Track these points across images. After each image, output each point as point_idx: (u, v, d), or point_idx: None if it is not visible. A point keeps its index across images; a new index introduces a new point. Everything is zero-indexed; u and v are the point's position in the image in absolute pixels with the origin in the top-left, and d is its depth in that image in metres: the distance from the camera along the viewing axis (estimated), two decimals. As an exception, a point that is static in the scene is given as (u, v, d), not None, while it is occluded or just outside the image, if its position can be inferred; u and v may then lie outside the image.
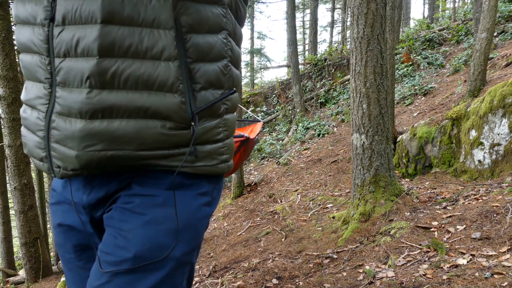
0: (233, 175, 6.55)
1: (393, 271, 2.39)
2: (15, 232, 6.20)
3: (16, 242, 7.45)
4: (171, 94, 0.75)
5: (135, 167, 0.79)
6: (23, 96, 0.85)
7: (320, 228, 3.89)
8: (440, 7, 18.40)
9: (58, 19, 0.73)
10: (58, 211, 0.91)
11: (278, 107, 11.18)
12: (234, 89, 0.85)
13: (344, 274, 2.60)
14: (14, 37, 6.67)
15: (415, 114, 6.80)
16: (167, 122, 0.76)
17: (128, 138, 0.74)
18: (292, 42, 10.33)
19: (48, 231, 8.77)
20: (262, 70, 20.12)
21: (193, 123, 0.78)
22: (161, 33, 0.73)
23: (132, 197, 0.80)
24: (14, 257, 7.23)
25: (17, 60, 6.57)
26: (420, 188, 4.01)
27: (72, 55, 0.73)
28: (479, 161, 3.95)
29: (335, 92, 10.16)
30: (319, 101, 10.32)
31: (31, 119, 0.82)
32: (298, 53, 10.79)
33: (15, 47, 6.79)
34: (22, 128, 0.87)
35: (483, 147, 3.91)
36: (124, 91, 0.73)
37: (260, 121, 1.49)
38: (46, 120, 0.78)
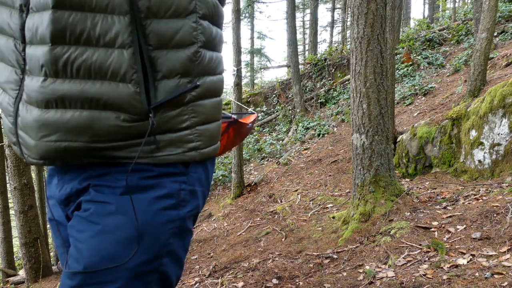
0: (233, 175, 6.55)
1: (393, 271, 2.39)
2: (15, 232, 6.20)
3: (16, 242, 7.45)
4: (125, 84, 0.71)
5: (95, 160, 0.76)
6: None
7: (320, 228, 3.89)
8: (440, 7, 18.41)
9: (30, 6, 0.70)
10: (49, 206, 0.91)
11: (278, 107, 11.18)
12: (197, 83, 0.78)
13: (344, 274, 2.60)
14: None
15: (415, 114, 6.79)
16: (121, 114, 0.72)
17: (80, 130, 0.71)
18: (292, 42, 10.32)
19: (48, 231, 8.76)
20: (262, 70, 20.12)
21: (151, 115, 0.73)
22: (115, 19, 0.69)
23: (89, 204, 0.77)
24: (14, 257, 7.23)
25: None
26: (420, 188, 4.01)
27: (34, 43, 0.71)
28: (479, 161, 3.95)
29: (335, 92, 10.16)
30: (319, 101, 10.31)
31: (3, 103, 0.80)
32: (298, 53, 10.79)
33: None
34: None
35: (483, 147, 3.91)
36: (77, 80, 0.70)
37: (254, 113, 1.48)
38: (15, 107, 0.76)
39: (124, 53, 0.70)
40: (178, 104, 0.77)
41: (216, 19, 0.82)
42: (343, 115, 8.86)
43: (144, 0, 0.70)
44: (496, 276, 2.01)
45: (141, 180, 0.77)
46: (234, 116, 1.27)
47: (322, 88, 10.77)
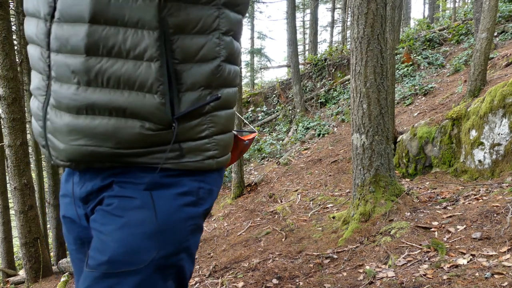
0: (233, 175, 6.55)
1: (393, 271, 2.39)
2: (15, 232, 6.20)
3: (16, 242, 7.46)
4: (151, 95, 0.75)
5: (118, 164, 0.80)
6: (31, 86, 0.89)
7: (320, 228, 3.89)
8: (440, 7, 18.41)
9: (56, 15, 0.75)
10: (63, 204, 0.94)
11: (278, 107, 11.18)
12: (219, 94, 0.83)
13: (344, 274, 2.60)
14: (14, 37, 6.67)
15: (415, 114, 6.79)
16: (146, 123, 0.76)
17: (107, 136, 0.76)
18: (292, 42, 10.32)
19: (48, 231, 8.77)
20: (262, 70, 20.12)
21: (174, 125, 0.78)
22: (145, 34, 0.73)
23: (113, 199, 0.80)
24: (14, 257, 7.24)
25: (17, 60, 6.56)
26: (420, 188, 4.01)
27: (64, 51, 0.75)
28: (479, 161, 3.95)
29: (335, 92, 10.16)
30: (319, 101, 10.31)
31: (33, 108, 0.86)
32: (298, 53, 10.79)
33: (15, 47, 6.79)
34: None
35: (483, 147, 3.91)
36: (107, 89, 0.75)
37: (255, 131, 1.48)
38: (43, 111, 0.82)
39: (152, 66, 0.74)
40: (198, 115, 0.81)
41: (237, 35, 0.87)
42: (343, 115, 8.86)
43: (174, 17, 0.74)
44: (496, 276, 2.01)
45: (162, 178, 0.81)
46: (234, 132, 1.29)
47: (322, 88, 10.76)
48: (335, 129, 8.49)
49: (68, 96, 0.76)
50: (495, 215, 2.68)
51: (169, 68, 0.76)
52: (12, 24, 6.85)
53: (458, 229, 2.66)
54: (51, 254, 7.15)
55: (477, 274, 2.07)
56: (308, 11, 18.93)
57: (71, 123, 0.77)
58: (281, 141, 9.36)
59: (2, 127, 5.47)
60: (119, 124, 0.76)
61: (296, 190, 5.68)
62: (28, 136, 5.98)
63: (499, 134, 3.75)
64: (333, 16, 18.48)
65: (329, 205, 4.66)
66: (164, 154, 0.79)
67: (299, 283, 2.64)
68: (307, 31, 17.68)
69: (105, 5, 0.72)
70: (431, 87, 7.72)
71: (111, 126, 0.76)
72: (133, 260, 0.76)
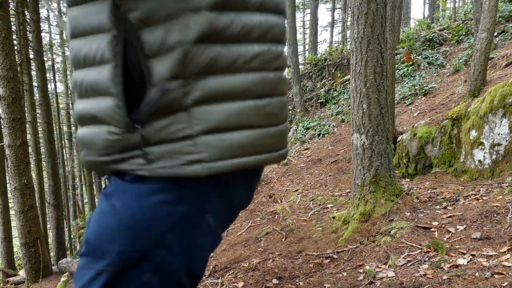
0: (233, 175, 6.54)
1: (393, 271, 2.39)
2: (15, 232, 6.20)
3: (16, 242, 7.45)
4: (109, 97, 0.73)
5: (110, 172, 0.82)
6: None
7: (320, 228, 3.89)
8: (440, 7, 18.41)
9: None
10: None
11: (278, 107, 11.17)
12: (189, 86, 0.70)
13: (344, 274, 2.60)
14: (14, 37, 6.65)
15: (415, 114, 6.79)
16: (110, 127, 0.74)
17: (89, 145, 0.79)
18: (292, 42, 10.32)
19: (48, 231, 8.77)
20: (262, 70, 20.10)
21: (138, 126, 0.71)
22: (104, 37, 0.73)
23: (109, 186, 0.82)
24: (14, 257, 7.24)
25: (17, 60, 6.55)
26: (420, 188, 4.01)
27: (72, 69, 0.85)
28: (479, 161, 3.95)
29: (335, 92, 10.16)
30: (319, 101, 10.31)
31: None
32: (298, 53, 10.79)
33: (15, 47, 6.78)
34: None
35: (483, 147, 3.91)
36: (86, 99, 0.79)
37: None
38: None
39: (108, 67, 0.73)
40: (171, 111, 0.70)
41: (226, 5, 0.71)
42: (343, 115, 8.86)
43: (134, 11, 0.69)
44: (496, 276, 2.01)
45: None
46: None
47: (322, 88, 10.76)
48: (335, 129, 8.49)
49: (74, 111, 0.84)
50: (495, 215, 2.68)
51: (141, 66, 0.70)
52: (12, 24, 6.85)
53: (458, 229, 2.66)
54: (51, 254, 7.15)
55: (477, 274, 2.07)
56: (308, 11, 18.94)
57: (77, 136, 0.83)
58: (281, 141, 9.35)
59: (2, 127, 5.47)
60: (94, 131, 0.77)
61: (296, 190, 5.68)
62: (28, 136, 5.98)
63: (499, 134, 3.75)
64: (333, 16, 18.49)
65: (329, 205, 4.66)
66: (137, 159, 0.74)
67: (299, 283, 2.64)
68: (307, 31, 17.69)
69: (77, 19, 0.77)
70: (431, 87, 7.72)
71: (90, 134, 0.78)
72: (101, 246, 0.76)
